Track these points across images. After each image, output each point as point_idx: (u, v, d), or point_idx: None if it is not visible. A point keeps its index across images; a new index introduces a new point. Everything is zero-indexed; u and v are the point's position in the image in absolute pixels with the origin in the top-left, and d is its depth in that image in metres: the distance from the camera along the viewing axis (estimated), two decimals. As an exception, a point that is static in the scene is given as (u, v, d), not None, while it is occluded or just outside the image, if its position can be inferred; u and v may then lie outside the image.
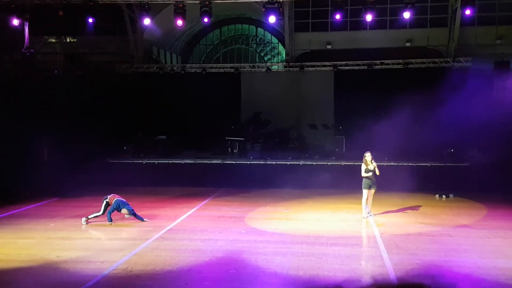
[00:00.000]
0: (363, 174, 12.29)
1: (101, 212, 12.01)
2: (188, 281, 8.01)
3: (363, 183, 12.34)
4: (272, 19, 15.92)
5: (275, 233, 11.14)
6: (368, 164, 12.22)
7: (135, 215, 12.10)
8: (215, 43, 28.73)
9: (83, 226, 11.82)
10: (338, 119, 20.81)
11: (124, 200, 12.18)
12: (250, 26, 28.09)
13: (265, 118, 20.71)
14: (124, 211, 12.01)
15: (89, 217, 12.05)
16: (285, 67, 22.55)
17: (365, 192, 12.35)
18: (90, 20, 16.51)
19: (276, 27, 23.87)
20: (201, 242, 10.22)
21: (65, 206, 14.13)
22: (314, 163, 17.86)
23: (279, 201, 14.90)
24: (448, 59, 20.57)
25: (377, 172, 12.24)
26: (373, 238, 10.68)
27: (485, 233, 11.00)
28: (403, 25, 20.92)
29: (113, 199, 12.03)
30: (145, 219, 12.23)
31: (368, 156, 12.25)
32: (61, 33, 22.61)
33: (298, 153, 19.22)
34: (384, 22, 21.76)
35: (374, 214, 12.74)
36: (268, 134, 20.54)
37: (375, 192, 12.45)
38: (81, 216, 12.22)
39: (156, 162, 18.66)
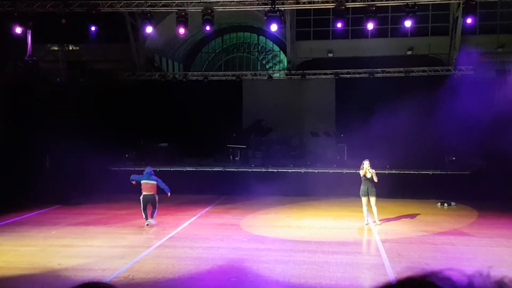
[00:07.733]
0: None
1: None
2: (189, 289, 8.00)
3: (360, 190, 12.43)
4: (274, 27, 15.94)
5: (276, 241, 11.12)
6: (366, 172, 12.22)
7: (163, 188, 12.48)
8: (217, 51, 28.78)
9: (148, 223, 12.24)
10: (339, 127, 20.84)
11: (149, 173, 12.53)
12: (252, 34, 28.16)
13: (266, 125, 20.72)
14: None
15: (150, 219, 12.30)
16: (286, 75, 22.61)
17: (362, 199, 12.40)
18: (93, 28, 16.55)
19: (277, 35, 23.95)
20: (202, 250, 10.20)
21: (67, 214, 14.13)
22: (316, 171, 17.85)
23: (280, 209, 14.88)
24: (450, 67, 20.61)
25: (375, 179, 12.22)
26: (375, 247, 10.66)
27: (487, 241, 10.98)
28: (404, 33, 20.89)
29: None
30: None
31: (366, 164, 12.26)
32: (63, 41, 22.66)
33: (300, 161, 19.19)
34: (385, 31, 21.81)
35: (375, 222, 12.68)
36: (269, 141, 20.56)
37: (376, 200, 12.40)
38: (82, 224, 12.22)
39: (158, 169, 18.56)
